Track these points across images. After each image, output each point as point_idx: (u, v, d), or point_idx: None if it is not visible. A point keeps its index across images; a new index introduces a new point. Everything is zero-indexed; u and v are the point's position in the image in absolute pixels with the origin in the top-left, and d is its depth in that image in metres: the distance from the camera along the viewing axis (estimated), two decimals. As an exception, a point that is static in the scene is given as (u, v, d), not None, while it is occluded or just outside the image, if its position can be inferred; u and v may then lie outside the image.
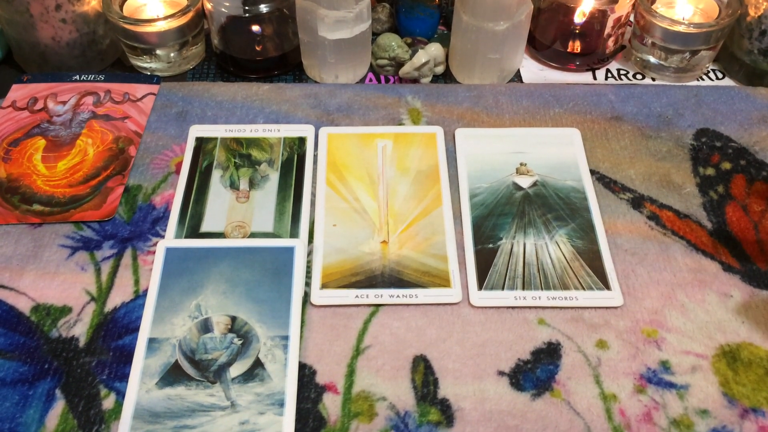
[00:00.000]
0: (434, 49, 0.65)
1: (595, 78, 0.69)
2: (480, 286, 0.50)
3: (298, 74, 0.68)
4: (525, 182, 0.57)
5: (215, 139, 0.60)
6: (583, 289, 0.50)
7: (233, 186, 0.56)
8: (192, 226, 0.53)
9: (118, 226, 0.54)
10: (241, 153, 0.59)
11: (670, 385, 0.45)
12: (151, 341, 0.47)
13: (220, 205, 0.55)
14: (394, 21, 0.71)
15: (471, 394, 0.45)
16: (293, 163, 0.58)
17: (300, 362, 0.46)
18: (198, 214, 0.54)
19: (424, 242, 0.53)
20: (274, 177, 0.57)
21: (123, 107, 0.62)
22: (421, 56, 0.64)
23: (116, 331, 0.48)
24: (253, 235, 0.53)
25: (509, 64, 0.65)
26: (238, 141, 0.59)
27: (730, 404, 0.45)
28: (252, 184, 0.57)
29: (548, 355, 0.47)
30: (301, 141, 0.59)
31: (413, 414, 0.44)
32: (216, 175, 0.57)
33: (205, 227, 0.54)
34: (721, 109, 0.63)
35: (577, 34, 0.66)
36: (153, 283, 0.49)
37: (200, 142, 0.59)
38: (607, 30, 0.65)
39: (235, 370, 0.45)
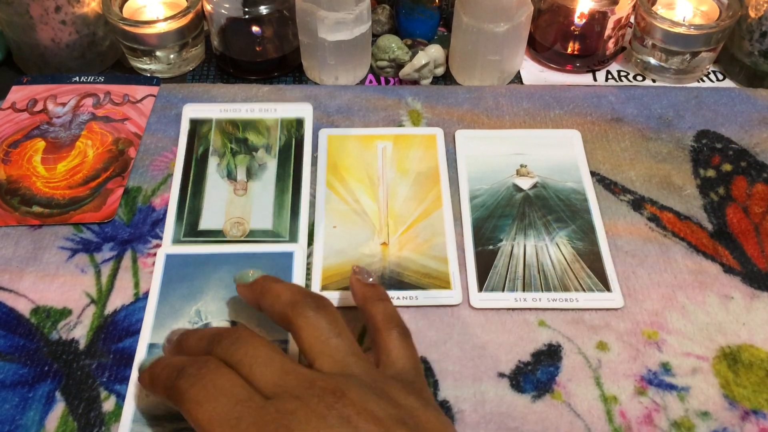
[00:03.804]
0: (434, 51, 0.65)
1: (595, 80, 0.69)
2: (480, 288, 0.50)
3: (297, 76, 0.68)
4: (525, 184, 0.57)
5: (210, 121, 0.59)
6: (584, 290, 0.50)
7: (230, 176, 0.56)
8: (190, 223, 0.53)
9: (118, 228, 0.54)
10: (237, 137, 0.58)
11: (671, 387, 0.45)
12: (152, 347, 0.47)
13: (218, 199, 0.55)
14: (394, 22, 0.70)
15: (471, 396, 0.45)
16: (291, 148, 0.58)
17: (300, 364, 0.46)
18: (196, 209, 0.54)
19: (425, 244, 0.53)
20: (272, 165, 0.57)
21: (123, 109, 0.62)
22: (421, 58, 0.64)
23: (116, 334, 0.48)
24: (252, 233, 0.53)
25: (509, 66, 0.65)
26: (233, 123, 0.59)
27: (731, 406, 0.45)
28: (249, 174, 0.56)
29: (548, 356, 0.47)
30: (299, 123, 0.59)
31: (414, 416, 0.44)
32: (212, 163, 0.57)
33: (203, 224, 0.53)
34: (722, 110, 0.63)
35: (578, 35, 0.66)
36: (153, 289, 0.49)
37: (194, 125, 0.59)
38: (608, 32, 0.65)
39: (235, 372, 0.45)
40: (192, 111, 0.60)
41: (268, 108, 0.60)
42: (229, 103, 0.60)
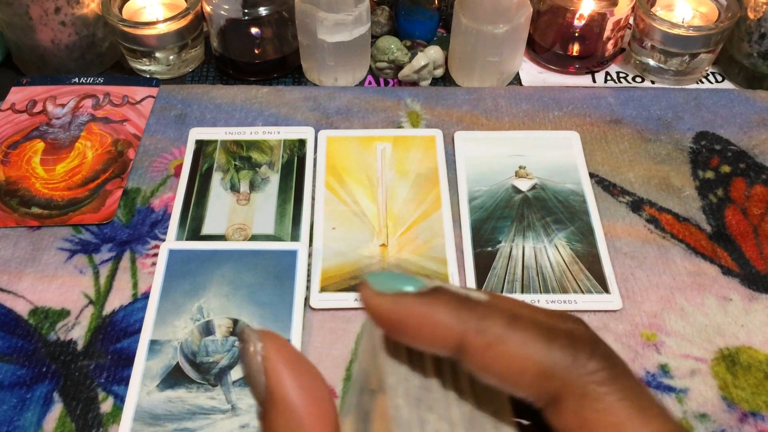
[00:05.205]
0: (433, 52, 0.65)
1: (594, 81, 0.69)
2: (479, 289, 0.50)
3: (297, 77, 0.68)
4: (524, 185, 0.57)
5: (215, 141, 0.60)
6: (582, 292, 0.50)
7: (234, 188, 0.56)
8: (193, 229, 0.53)
9: (117, 229, 0.54)
10: (242, 155, 0.59)
11: (669, 389, 0.45)
12: (153, 343, 0.47)
13: (221, 207, 0.55)
14: (394, 24, 0.71)
15: (470, 397, 0.45)
16: (293, 165, 0.58)
17: (299, 366, 0.46)
18: (199, 216, 0.54)
19: (424, 245, 0.53)
20: (275, 179, 0.57)
21: (122, 110, 0.62)
22: (421, 59, 0.64)
23: (114, 335, 0.48)
24: (254, 238, 0.53)
25: (508, 67, 0.65)
26: (238, 143, 0.59)
27: (729, 408, 0.45)
28: (252, 187, 0.56)
29: (547, 358, 0.47)
30: (301, 143, 0.59)
31: (412, 418, 0.44)
32: (216, 177, 0.57)
33: (206, 230, 0.53)
34: (721, 112, 0.63)
35: (577, 37, 0.66)
36: (155, 285, 0.49)
37: (200, 145, 0.59)
38: (607, 33, 0.65)
39: (236, 373, 0.45)
40: (198, 134, 0.60)
41: (272, 131, 0.60)
42: (234, 127, 0.60)
